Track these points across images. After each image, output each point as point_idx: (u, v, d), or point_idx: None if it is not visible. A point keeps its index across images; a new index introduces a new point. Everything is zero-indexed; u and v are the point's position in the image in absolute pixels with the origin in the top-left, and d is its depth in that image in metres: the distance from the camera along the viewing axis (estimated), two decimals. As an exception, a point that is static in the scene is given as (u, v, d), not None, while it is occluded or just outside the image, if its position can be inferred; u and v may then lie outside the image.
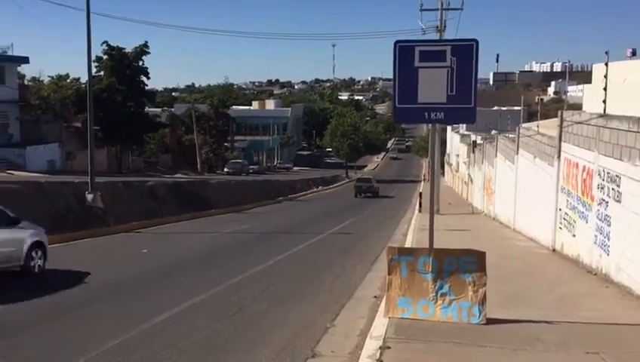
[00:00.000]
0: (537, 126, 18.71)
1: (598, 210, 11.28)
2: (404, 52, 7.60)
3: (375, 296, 10.23)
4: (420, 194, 32.56)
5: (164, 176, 46.40)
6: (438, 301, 7.58)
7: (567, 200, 13.74)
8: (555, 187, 14.75)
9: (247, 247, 17.67)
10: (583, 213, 12.43)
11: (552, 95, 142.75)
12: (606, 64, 16.69)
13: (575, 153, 13.21)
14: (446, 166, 70.72)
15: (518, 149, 20.83)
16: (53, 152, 44.25)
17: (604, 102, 15.72)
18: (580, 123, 12.80)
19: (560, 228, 14.37)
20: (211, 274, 12.59)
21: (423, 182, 59.61)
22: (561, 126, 14.46)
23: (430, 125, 7.91)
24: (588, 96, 21.64)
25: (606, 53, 16.55)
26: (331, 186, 64.69)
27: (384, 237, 19.93)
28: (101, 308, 9.41)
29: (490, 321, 7.39)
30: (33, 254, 11.93)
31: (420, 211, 29.02)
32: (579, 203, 12.75)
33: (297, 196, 48.02)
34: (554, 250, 14.75)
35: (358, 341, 7.40)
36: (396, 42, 7.60)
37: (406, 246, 16.29)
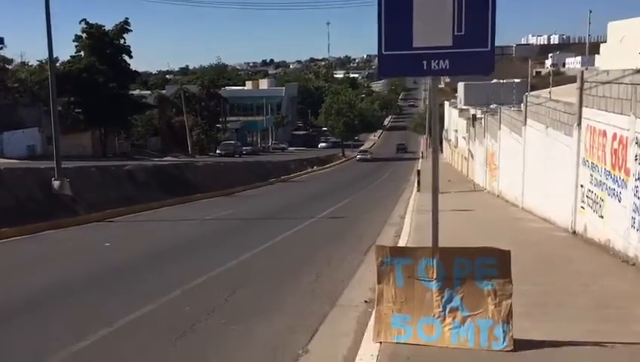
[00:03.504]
0: (550, 92, 16.58)
1: (637, 187, 9.24)
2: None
3: (366, 301, 8.21)
4: (418, 171, 30.52)
5: (153, 159, 44.30)
6: (447, 319, 5.56)
7: (592, 176, 11.68)
8: (575, 160, 12.68)
9: (224, 237, 15.64)
10: (614, 190, 10.37)
11: (549, 67, 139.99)
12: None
13: (601, 119, 11.12)
14: (444, 142, 68.63)
15: (525, 120, 18.72)
16: (33, 137, 42.16)
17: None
18: (609, 82, 10.68)
19: (582, 207, 12.33)
20: (172, 273, 10.56)
21: (420, 160, 57.67)
22: (581, 88, 12.34)
23: (430, 80, 5.55)
24: (604, 57, 19.47)
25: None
26: (327, 166, 62.61)
27: (379, 221, 17.90)
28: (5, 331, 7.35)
29: (519, 345, 5.38)
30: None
31: (418, 190, 27.05)
32: (608, 178, 10.69)
33: (291, 177, 45.97)
34: (574, 232, 12.74)
35: (337, 380, 5.41)
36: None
37: (403, 232, 14.27)
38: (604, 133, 10.93)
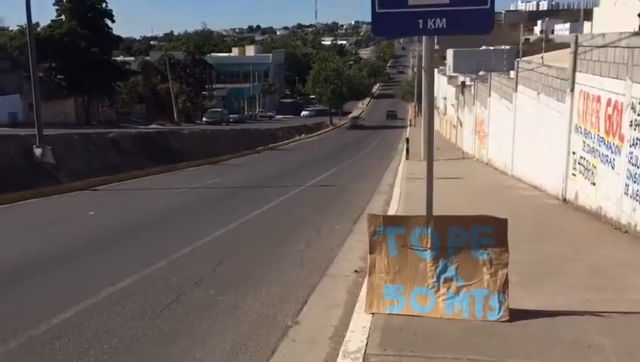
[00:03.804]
0: (542, 58, 16.29)
1: (631, 153, 9.06)
2: None
3: (356, 270, 8.04)
4: (407, 139, 30.32)
5: (138, 127, 43.56)
6: (441, 289, 5.38)
7: (584, 142, 11.50)
8: (568, 126, 12.47)
9: (211, 206, 15.37)
10: (607, 156, 10.21)
11: (538, 34, 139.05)
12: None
13: (596, 84, 10.88)
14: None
15: (516, 86, 18.46)
16: (14, 104, 41.25)
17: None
18: (605, 46, 10.41)
19: (573, 174, 12.18)
20: (157, 243, 10.31)
21: (408, 128, 57.43)
22: (575, 53, 12.05)
23: (424, 39, 5.24)
24: (597, 21, 19.15)
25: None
26: (315, 134, 62.17)
27: (368, 189, 17.71)
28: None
29: (515, 315, 5.22)
30: None
31: (407, 158, 26.86)
32: (601, 144, 10.51)
33: (278, 145, 45.56)
34: (565, 199, 12.62)
35: (329, 352, 5.21)
36: None
37: (393, 200, 14.09)
38: (598, 99, 10.70)
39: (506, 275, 5.22)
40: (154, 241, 10.61)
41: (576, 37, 12.26)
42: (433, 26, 5.07)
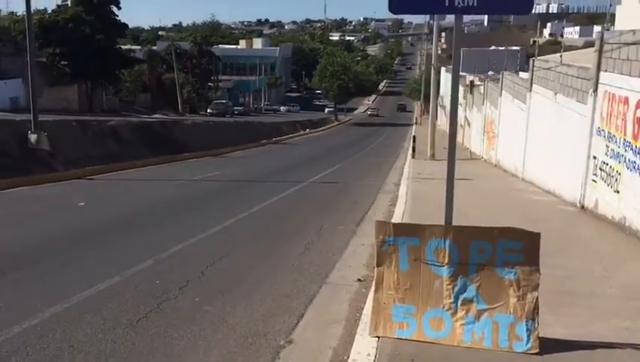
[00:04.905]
0: (561, 56, 15.47)
1: (664, 160, 8.30)
2: None
3: (359, 279, 7.29)
4: (414, 137, 29.49)
5: (142, 116, 42.83)
6: (459, 311, 4.62)
7: (607, 146, 10.71)
8: (589, 129, 11.68)
9: (209, 200, 14.64)
10: (634, 162, 9.42)
11: (547, 37, 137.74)
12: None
13: (623, 84, 10.09)
14: (439, 109, 67.34)
15: (531, 85, 17.65)
16: (16, 89, 40.46)
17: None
18: (635, 43, 9.62)
19: (594, 180, 11.40)
20: (146, 239, 9.60)
21: (414, 126, 56.60)
22: (600, 50, 11.25)
23: (452, 19, 4.39)
24: (620, 19, 18.28)
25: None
26: (320, 129, 61.37)
27: (372, 188, 16.93)
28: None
29: (545, 345, 4.46)
30: None
31: (413, 157, 26.07)
32: (628, 149, 9.72)
33: (282, 139, 44.82)
34: (583, 207, 11.84)
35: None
36: None
37: (399, 201, 13.32)
38: (626, 100, 9.91)
39: (537, 299, 4.47)
40: (144, 237, 9.90)
41: (602, 34, 11.45)
42: (462, 4, 4.29)
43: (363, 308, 5.83)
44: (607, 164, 10.74)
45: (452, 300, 4.62)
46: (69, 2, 43.97)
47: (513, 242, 4.49)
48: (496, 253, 4.52)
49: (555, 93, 14.79)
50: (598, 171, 11.17)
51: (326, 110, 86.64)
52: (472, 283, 4.59)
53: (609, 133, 10.70)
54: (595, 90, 11.50)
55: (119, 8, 44.62)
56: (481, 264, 4.56)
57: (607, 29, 14.20)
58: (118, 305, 6.11)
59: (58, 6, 44.40)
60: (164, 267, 7.75)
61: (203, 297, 6.49)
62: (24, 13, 44.55)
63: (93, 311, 5.93)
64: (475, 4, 4.26)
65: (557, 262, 7.18)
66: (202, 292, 6.66)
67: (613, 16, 21.03)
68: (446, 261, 4.62)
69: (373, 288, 4.97)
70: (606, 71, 11.06)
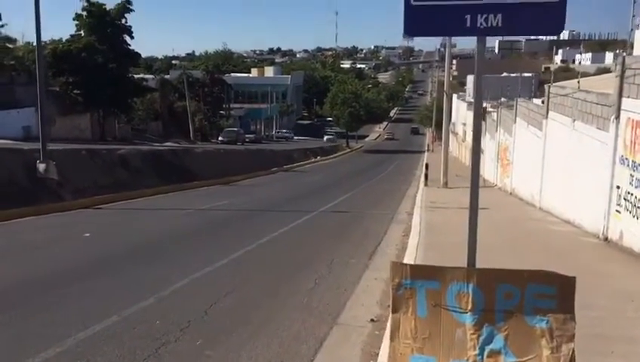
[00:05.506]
0: (578, 82, 15.08)
1: (696, 191, 7.82)
2: None
3: (372, 319, 6.82)
4: (427, 165, 29.07)
5: (153, 144, 42.79)
6: (485, 364, 4.16)
7: (632, 176, 10.24)
8: (611, 157, 11.22)
9: (217, 230, 14.26)
10: (662, 193, 8.96)
11: (558, 63, 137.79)
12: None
13: (647, 111, 9.68)
14: (451, 135, 67.13)
15: (547, 112, 17.25)
16: (28, 117, 40.61)
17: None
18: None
19: (618, 211, 10.89)
20: (150, 274, 9.18)
21: (426, 153, 56.23)
22: (622, 76, 10.86)
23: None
24: (638, 44, 17.91)
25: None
26: (331, 156, 61.13)
27: (385, 218, 16.47)
28: None
29: (581, 404, 3.99)
30: None
31: (426, 185, 25.63)
32: (655, 179, 9.26)
33: (293, 167, 44.57)
34: (606, 238, 11.32)
35: None
36: None
37: (413, 232, 12.84)
38: (652, 128, 9.49)
39: (573, 351, 4.00)
40: (148, 270, 9.49)
41: (623, 58, 11.08)
42: (485, 25, 3.92)
43: (377, 354, 5.37)
44: (631, 194, 10.26)
45: (477, 352, 4.15)
46: (82, 32, 44.41)
47: (545, 287, 4.04)
48: (525, 299, 4.06)
49: (574, 120, 14.38)
50: (622, 201, 10.68)
51: (325, 138, 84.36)
52: (499, 333, 4.12)
53: (634, 161, 10.24)
54: (618, 117, 11.08)
55: (132, 38, 45.02)
56: (508, 311, 4.10)
57: (625, 55, 13.80)
58: (112, 350, 5.68)
59: (72, 35, 44.85)
60: (166, 305, 7.33)
61: (205, 340, 6.04)
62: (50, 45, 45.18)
63: (86, 356, 5.51)
64: (500, 24, 3.88)
65: (584, 301, 6.61)
66: (204, 334, 6.22)
67: (624, 42, 20.72)
68: (469, 307, 4.17)
69: (388, 334, 4.52)
70: (628, 97, 10.66)
